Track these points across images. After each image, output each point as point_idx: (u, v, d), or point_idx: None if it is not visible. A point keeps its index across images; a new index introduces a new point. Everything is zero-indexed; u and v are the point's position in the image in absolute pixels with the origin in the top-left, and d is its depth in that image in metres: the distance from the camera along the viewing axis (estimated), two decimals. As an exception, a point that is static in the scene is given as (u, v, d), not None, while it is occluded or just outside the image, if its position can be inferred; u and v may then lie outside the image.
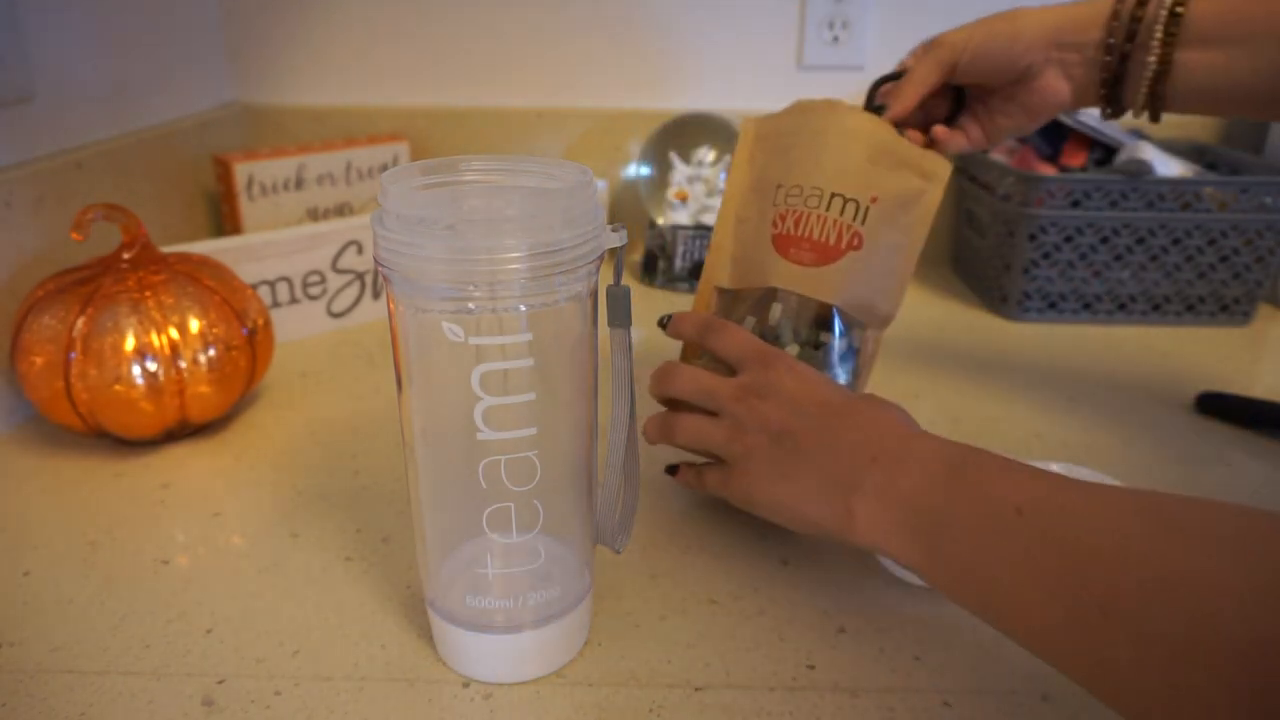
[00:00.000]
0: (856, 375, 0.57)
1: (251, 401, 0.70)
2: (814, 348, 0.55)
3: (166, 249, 0.68)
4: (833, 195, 0.54)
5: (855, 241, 0.53)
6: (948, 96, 0.62)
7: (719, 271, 0.57)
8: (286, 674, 0.42)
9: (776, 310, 0.54)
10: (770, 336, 0.55)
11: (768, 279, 0.54)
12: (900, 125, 0.59)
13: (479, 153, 0.40)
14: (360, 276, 0.85)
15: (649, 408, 0.58)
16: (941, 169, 0.57)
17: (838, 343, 0.55)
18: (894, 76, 0.61)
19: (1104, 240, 0.85)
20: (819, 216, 0.53)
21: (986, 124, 0.62)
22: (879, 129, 0.56)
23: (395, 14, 1.01)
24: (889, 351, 0.81)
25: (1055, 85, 0.58)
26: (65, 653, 0.44)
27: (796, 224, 0.54)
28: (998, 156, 0.95)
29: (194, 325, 0.60)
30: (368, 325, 0.85)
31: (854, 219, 0.53)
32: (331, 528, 0.54)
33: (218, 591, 0.48)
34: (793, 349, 0.55)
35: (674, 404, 0.52)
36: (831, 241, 0.53)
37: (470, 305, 0.35)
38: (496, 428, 0.37)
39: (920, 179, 0.56)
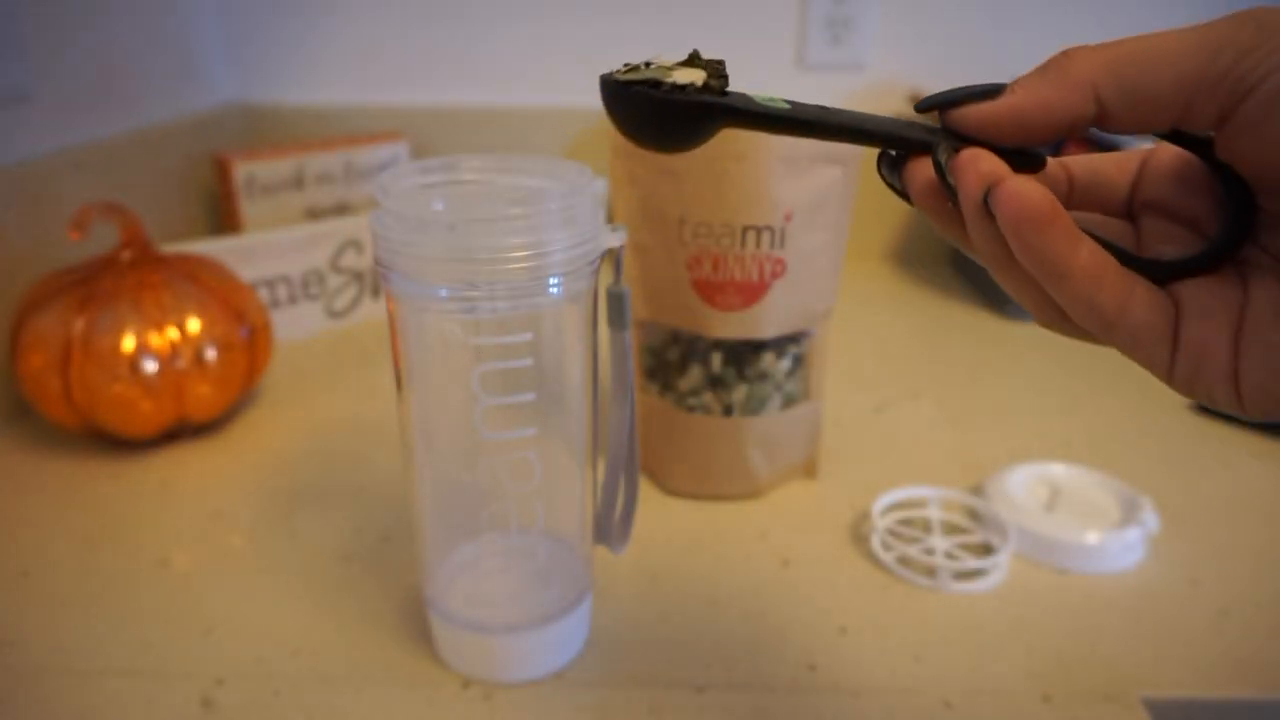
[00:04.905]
0: (808, 379, 0.57)
1: (251, 401, 0.70)
2: (760, 379, 0.55)
3: (165, 248, 0.68)
4: (745, 230, 0.51)
5: (778, 269, 0.52)
6: (1199, 190, 0.27)
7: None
8: (286, 674, 0.42)
9: (717, 360, 0.55)
10: (717, 384, 0.55)
11: (700, 327, 0.53)
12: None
13: (479, 152, 0.40)
14: (359, 276, 0.85)
15: (647, 408, 0.58)
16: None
17: (782, 363, 0.55)
18: (980, 94, 0.26)
19: (1104, 240, 0.84)
20: (736, 255, 0.52)
21: None
22: (776, 136, 0.51)
23: (395, 13, 1.01)
24: (889, 351, 0.81)
25: None
26: (65, 653, 0.44)
27: (715, 267, 0.52)
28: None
29: (193, 325, 0.60)
30: (367, 325, 0.85)
31: (771, 246, 0.52)
32: (331, 528, 0.54)
33: (217, 591, 0.48)
34: (740, 389, 0.55)
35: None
36: (754, 278, 0.52)
37: (470, 305, 0.35)
38: (496, 428, 0.37)
39: (833, 165, 0.52)
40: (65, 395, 0.58)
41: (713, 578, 0.49)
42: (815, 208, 0.52)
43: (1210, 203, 0.26)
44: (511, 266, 0.34)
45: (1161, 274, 0.24)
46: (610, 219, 0.56)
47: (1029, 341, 0.83)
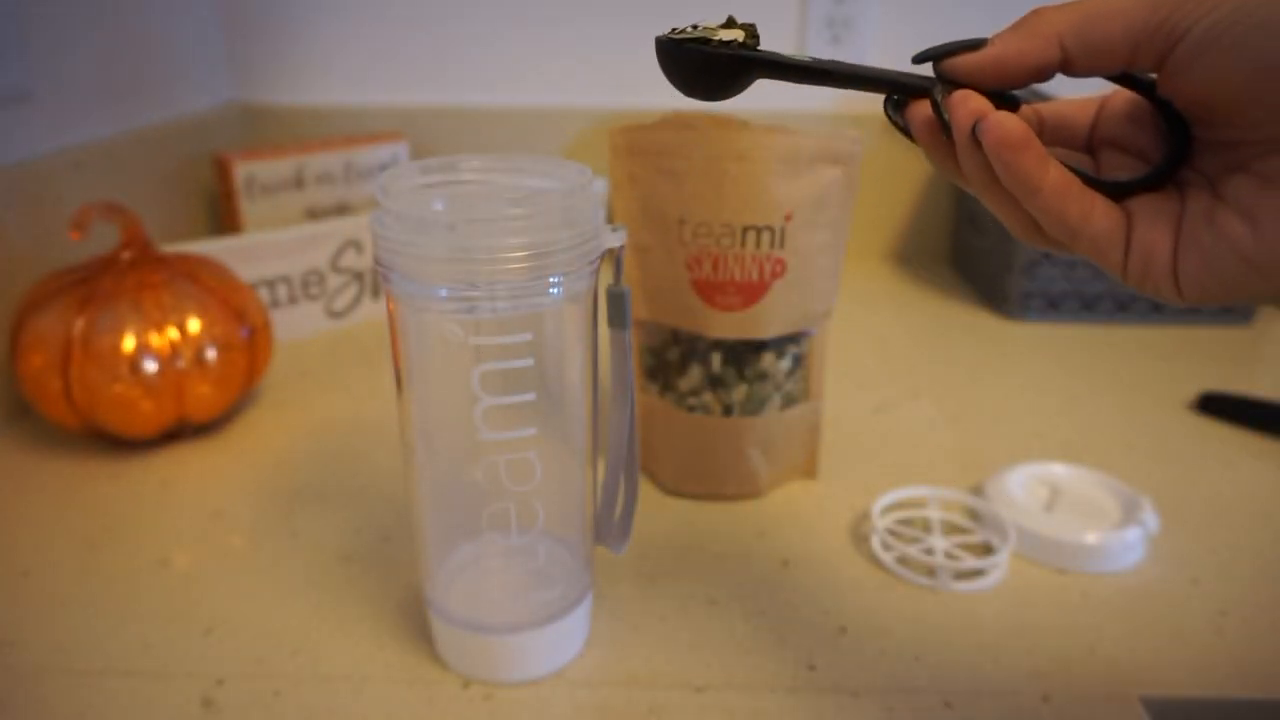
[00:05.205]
0: (809, 379, 0.57)
1: (251, 401, 0.70)
2: (760, 379, 0.55)
3: (166, 248, 0.68)
4: (745, 230, 0.51)
5: (778, 269, 0.52)
6: (1146, 127, 0.32)
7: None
8: (286, 674, 0.42)
9: (717, 360, 0.55)
10: (717, 384, 0.55)
11: (700, 327, 0.53)
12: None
13: (479, 152, 0.40)
14: (359, 276, 0.85)
15: (647, 408, 0.58)
16: (853, 144, 0.52)
17: (782, 364, 0.55)
18: (967, 46, 0.31)
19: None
20: (735, 255, 0.52)
21: (1244, 210, 0.28)
22: (776, 137, 0.50)
23: (395, 14, 1.01)
24: (889, 351, 0.81)
25: None
26: (65, 653, 0.44)
27: (715, 267, 0.52)
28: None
29: (193, 325, 0.60)
30: (367, 325, 0.85)
31: (771, 246, 0.52)
32: (331, 528, 0.54)
33: (217, 591, 0.48)
34: (740, 389, 0.55)
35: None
36: (754, 278, 0.52)
37: (470, 305, 0.35)
38: (496, 428, 0.37)
39: (833, 165, 0.52)
40: (65, 395, 0.58)
41: (712, 578, 0.49)
42: (815, 208, 0.52)
43: (1154, 137, 0.31)
44: (511, 266, 0.34)
45: (1116, 192, 0.30)
46: (610, 219, 0.57)
47: (1029, 341, 0.83)
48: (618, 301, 0.40)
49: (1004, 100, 0.30)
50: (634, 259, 0.55)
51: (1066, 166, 0.29)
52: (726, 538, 0.53)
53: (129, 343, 0.58)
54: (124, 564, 0.50)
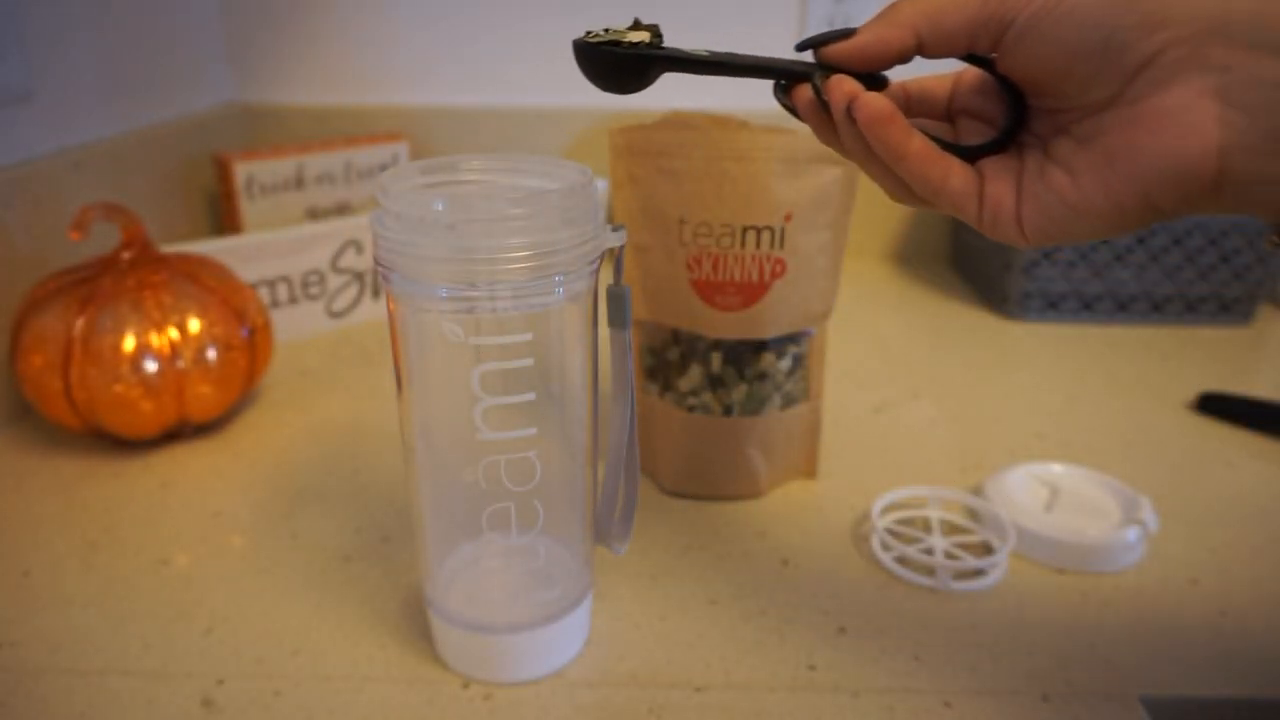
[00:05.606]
0: (808, 379, 0.57)
1: (251, 401, 0.70)
2: (760, 379, 0.55)
3: (166, 249, 0.68)
4: (745, 230, 0.51)
5: (778, 269, 0.52)
6: (993, 98, 0.37)
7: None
8: (286, 674, 0.42)
9: (717, 360, 0.55)
10: (716, 384, 0.55)
11: (700, 327, 0.53)
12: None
13: (479, 152, 0.40)
14: (360, 276, 0.85)
15: (647, 408, 0.58)
16: None
17: (782, 364, 0.55)
18: (839, 36, 0.35)
19: (1104, 240, 0.84)
20: (735, 255, 0.52)
21: (1065, 165, 0.33)
22: (776, 137, 0.50)
23: (395, 13, 1.01)
24: (889, 351, 0.81)
25: (1192, 118, 0.29)
26: (65, 653, 0.44)
27: (715, 268, 0.52)
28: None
29: (194, 325, 0.60)
30: (367, 325, 0.85)
31: (771, 247, 0.52)
32: (331, 528, 0.54)
33: (217, 591, 0.48)
34: (740, 389, 0.55)
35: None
36: (754, 278, 0.52)
37: (470, 305, 0.35)
38: (496, 428, 0.37)
39: (833, 165, 0.52)
40: (66, 395, 0.58)
41: (712, 577, 0.49)
42: (815, 208, 0.52)
43: (999, 106, 0.36)
44: (512, 266, 0.34)
45: (969, 154, 0.35)
46: (610, 219, 0.57)
47: (1029, 341, 0.83)
48: (618, 301, 0.40)
49: (874, 80, 0.35)
50: (634, 259, 0.55)
51: (927, 135, 0.34)
52: (726, 538, 0.53)
53: (129, 343, 0.58)
54: (124, 564, 0.50)
